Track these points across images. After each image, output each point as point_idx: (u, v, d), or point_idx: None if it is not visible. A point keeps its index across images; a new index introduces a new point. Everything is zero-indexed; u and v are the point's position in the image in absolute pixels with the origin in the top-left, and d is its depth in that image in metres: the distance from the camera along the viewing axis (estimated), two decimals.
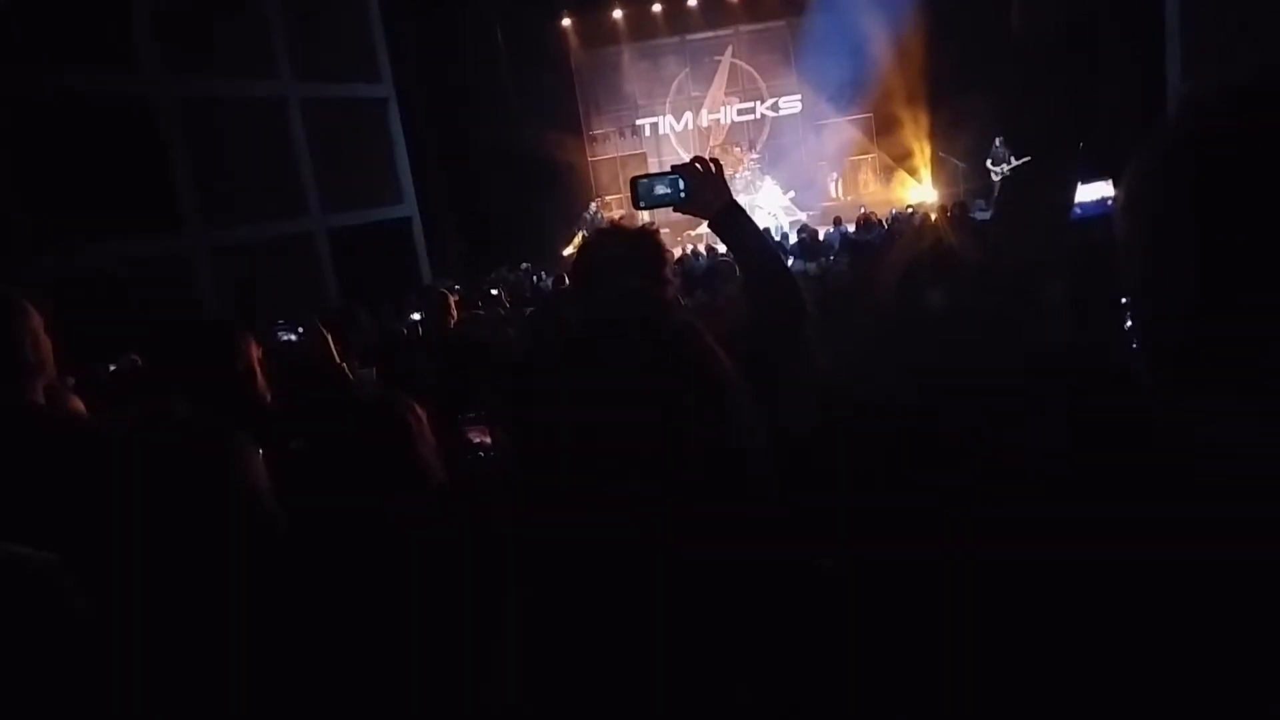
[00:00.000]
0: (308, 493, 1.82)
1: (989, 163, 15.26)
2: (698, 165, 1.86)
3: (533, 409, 1.72)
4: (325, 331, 2.62)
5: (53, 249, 8.57)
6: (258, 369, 2.12)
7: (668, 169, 1.89)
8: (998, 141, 15.10)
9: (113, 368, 4.96)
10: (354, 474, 1.85)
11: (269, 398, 2.15)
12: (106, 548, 1.37)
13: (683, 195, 1.86)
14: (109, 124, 9.31)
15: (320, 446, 2.13)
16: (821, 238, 11.55)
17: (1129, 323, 0.70)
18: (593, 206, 16.52)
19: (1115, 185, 1.78)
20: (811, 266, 7.65)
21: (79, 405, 2.19)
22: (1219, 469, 0.60)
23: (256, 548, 1.44)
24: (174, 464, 1.43)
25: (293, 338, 7.19)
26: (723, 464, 1.12)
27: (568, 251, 16.64)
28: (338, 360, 2.66)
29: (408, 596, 1.61)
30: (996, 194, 14.36)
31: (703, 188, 1.84)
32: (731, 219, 1.84)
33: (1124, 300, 0.70)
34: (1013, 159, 14.70)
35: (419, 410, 1.97)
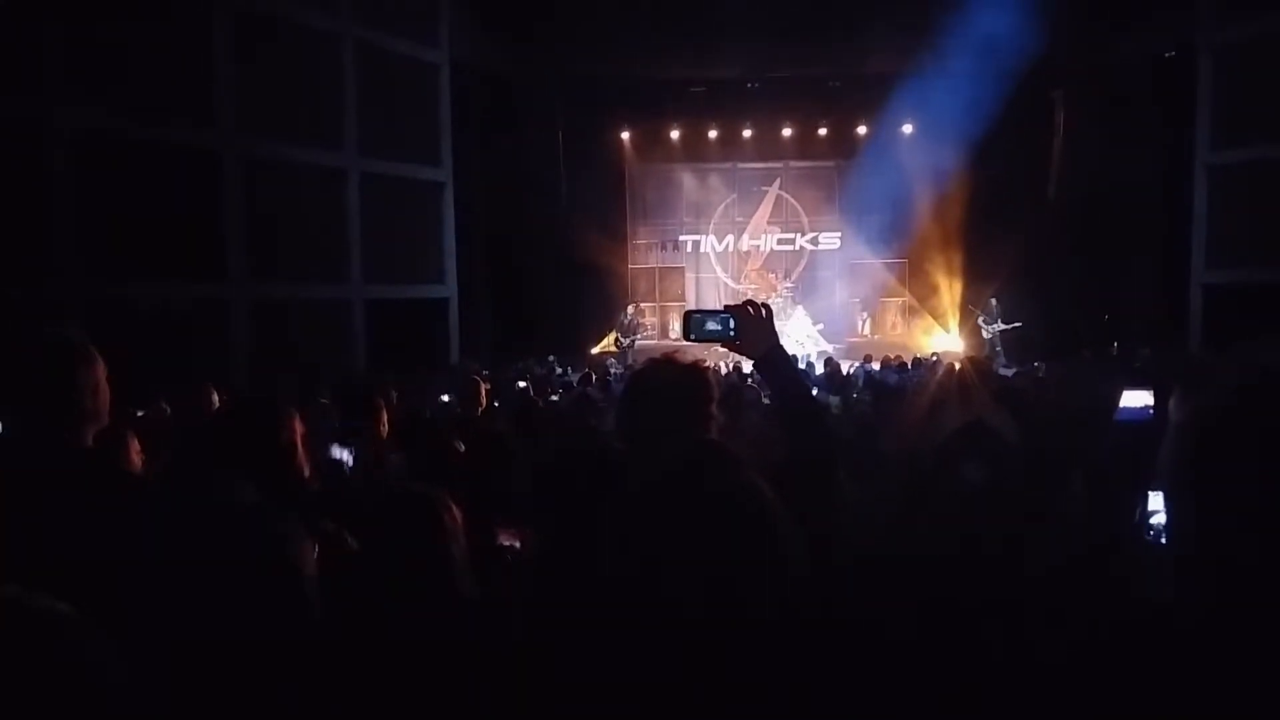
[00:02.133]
0: (335, 582, 1.82)
1: (981, 320, 15.76)
2: (749, 308, 1.96)
3: (578, 528, 1.76)
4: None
5: (102, 284, 8.83)
6: (299, 445, 2.14)
7: (721, 308, 1.99)
8: (993, 301, 15.59)
9: (140, 414, 5.00)
10: (382, 569, 1.84)
11: (306, 475, 2.18)
12: (141, 605, 1.38)
13: (732, 333, 1.96)
14: (176, 173, 9.70)
15: (354, 535, 2.14)
16: (847, 373, 11.65)
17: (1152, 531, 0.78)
18: (629, 310, 16.79)
19: (1158, 399, 1.88)
20: (835, 400, 7.71)
21: (136, 455, 2.23)
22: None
23: (295, 632, 1.45)
24: (232, 543, 1.45)
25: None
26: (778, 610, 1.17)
27: (595, 350, 16.87)
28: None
29: (419, 704, 1.59)
30: (1005, 353, 14.67)
31: (753, 329, 1.94)
32: (777, 362, 1.93)
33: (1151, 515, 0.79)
34: (1002, 322, 15.18)
35: (454, 509, 1.99)
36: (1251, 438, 0.71)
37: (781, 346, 1.96)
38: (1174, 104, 13.46)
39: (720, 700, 1.25)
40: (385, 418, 4.30)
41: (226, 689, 1.32)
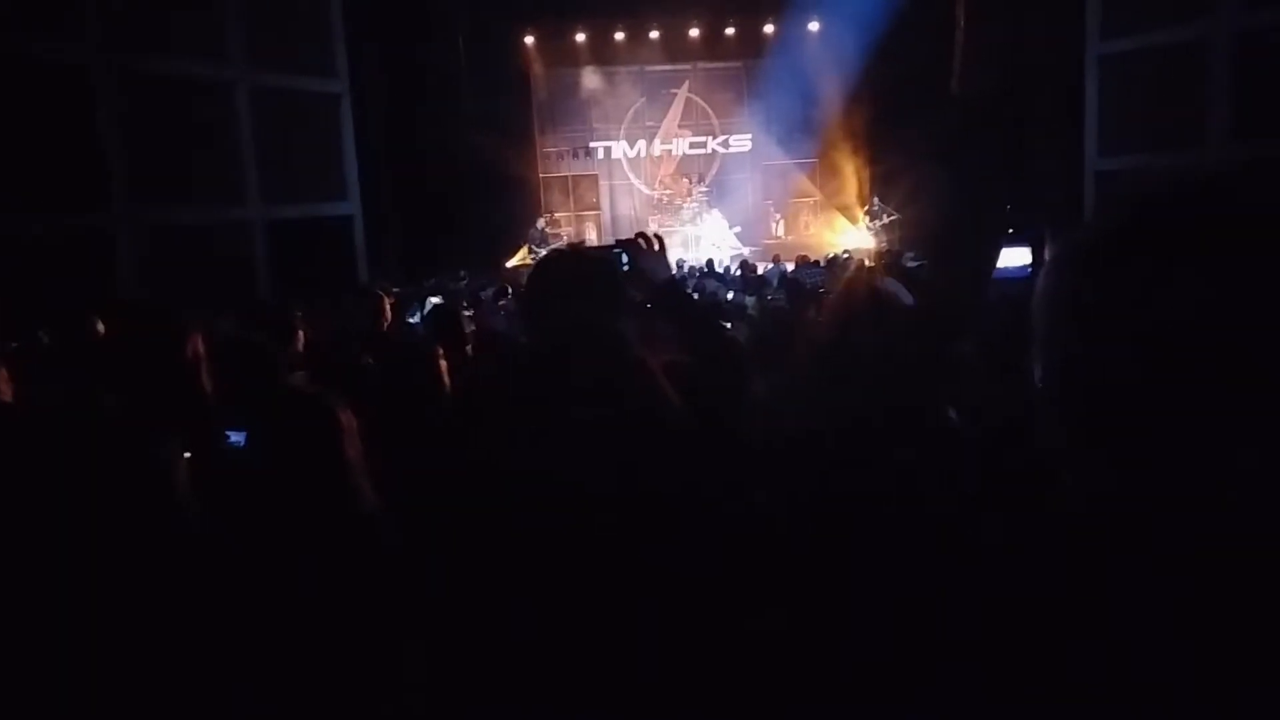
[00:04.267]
0: (235, 491, 1.77)
1: (866, 218, 16.19)
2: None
3: (478, 430, 1.73)
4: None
5: None
6: (201, 360, 2.05)
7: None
8: (875, 200, 15.98)
9: (15, 345, 4.74)
10: (278, 474, 1.81)
11: (210, 389, 2.09)
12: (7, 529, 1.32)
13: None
14: (42, 92, 9.04)
15: (251, 442, 2.08)
16: (760, 272, 11.76)
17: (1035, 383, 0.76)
18: (540, 222, 16.54)
19: (1034, 254, 1.91)
20: (751, 300, 7.79)
21: (4, 383, 2.12)
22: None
23: (167, 547, 1.40)
24: (92, 455, 1.38)
25: None
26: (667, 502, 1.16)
27: (511, 263, 16.63)
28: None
29: (310, 612, 1.57)
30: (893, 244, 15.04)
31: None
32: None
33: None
34: (886, 216, 15.59)
35: (350, 415, 1.93)
36: (1157, 242, 0.65)
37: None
38: None
39: (628, 582, 1.24)
40: (300, 339, 4.18)
41: (96, 602, 1.26)
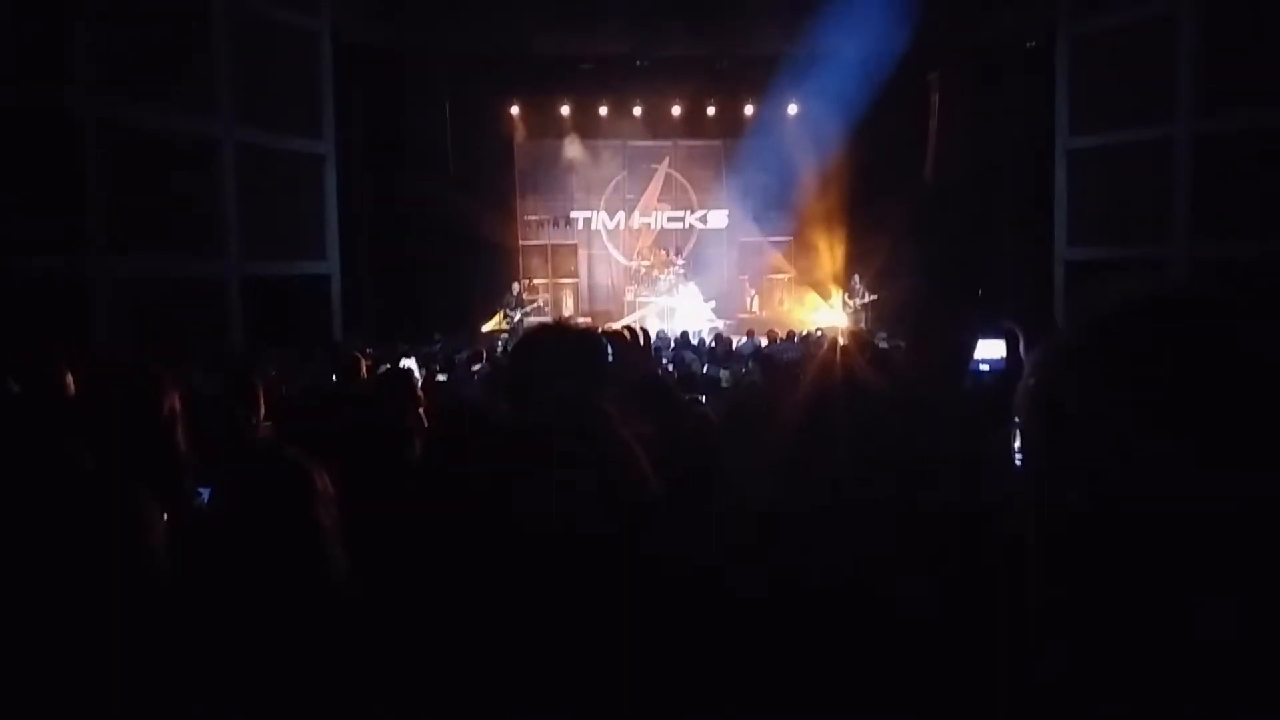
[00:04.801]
0: (205, 552, 1.73)
1: (845, 296, 16.49)
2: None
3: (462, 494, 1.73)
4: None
5: None
6: (178, 417, 2.03)
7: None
8: (855, 278, 16.30)
9: None
10: (246, 535, 1.77)
11: (185, 447, 2.07)
12: None
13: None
14: (28, 135, 9.06)
15: (219, 503, 2.05)
16: (735, 346, 11.86)
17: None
18: (516, 287, 16.63)
19: (1010, 348, 1.98)
20: (725, 374, 7.85)
21: None
22: None
23: (141, 607, 1.36)
24: (65, 511, 1.35)
25: None
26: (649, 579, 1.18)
27: (486, 328, 16.66)
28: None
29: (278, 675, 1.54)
30: (871, 325, 15.26)
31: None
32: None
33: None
34: (867, 295, 15.89)
35: (325, 477, 1.90)
36: (1112, 366, 0.73)
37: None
38: (1038, 90, 14.12)
39: (597, 650, 1.25)
40: (262, 398, 4.15)
41: (64, 663, 1.24)
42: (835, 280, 17.72)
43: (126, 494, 1.40)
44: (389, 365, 9.40)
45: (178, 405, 2.03)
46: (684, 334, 13.55)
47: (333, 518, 1.81)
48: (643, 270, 18.48)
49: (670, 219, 19.33)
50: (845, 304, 16.57)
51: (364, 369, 5.90)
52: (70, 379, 4.35)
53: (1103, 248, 12.91)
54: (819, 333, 13.81)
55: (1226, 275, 10.62)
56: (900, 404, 1.50)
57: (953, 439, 1.65)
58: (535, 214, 18.99)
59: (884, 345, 10.99)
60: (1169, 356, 0.70)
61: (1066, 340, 0.78)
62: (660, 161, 19.19)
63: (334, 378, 6.99)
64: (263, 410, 4.06)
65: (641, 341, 1.93)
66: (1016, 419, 0.82)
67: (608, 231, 19.21)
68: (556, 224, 19.05)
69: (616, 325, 16.77)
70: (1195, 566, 0.67)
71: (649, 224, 19.30)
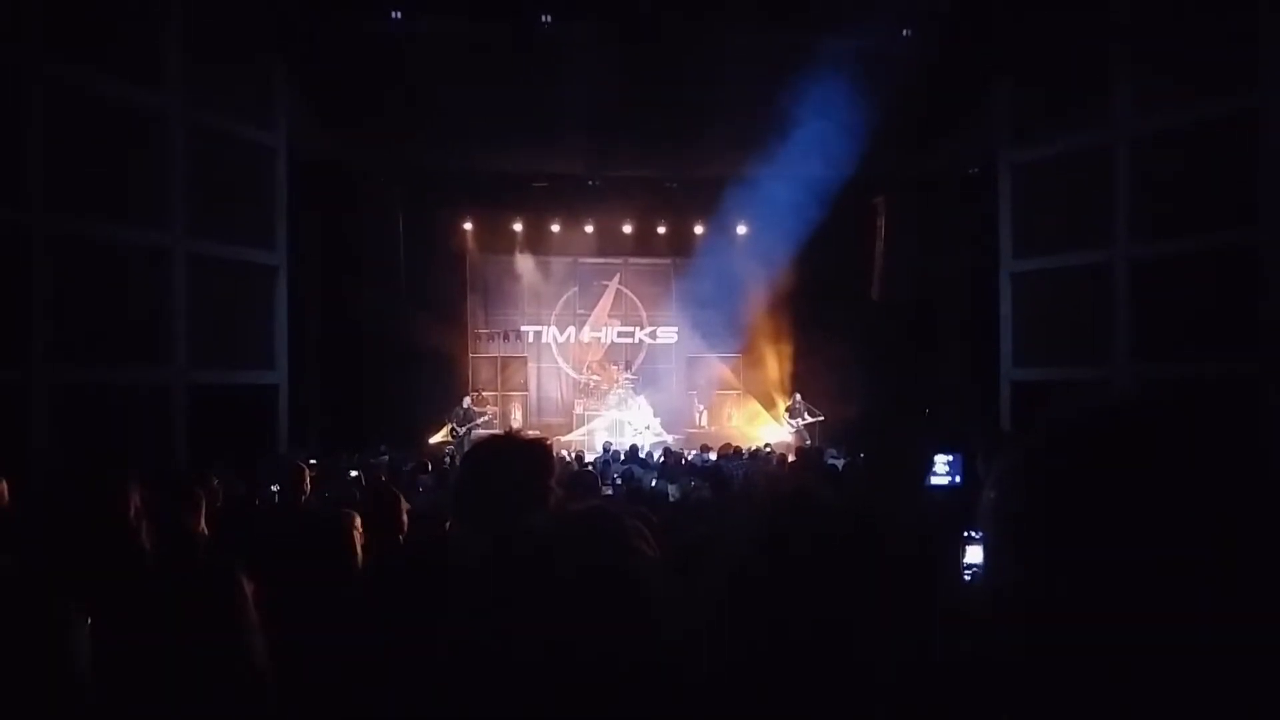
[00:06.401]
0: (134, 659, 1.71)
1: (787, 415, 16.76)
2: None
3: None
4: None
5: None
6: (143, 517, 2.01)
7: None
8: (797, 397, 16.61)
9: None
10: (167, 642, 1.76)
11: (148, 548, 2.04)
12: None
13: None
14: None
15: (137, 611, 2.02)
16: (684, 460, 11.87)
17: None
18: (466, 400, 16.57)
19: (966, 467, 2.04)
20: (673, 489, 7.84)
21: None
22: None
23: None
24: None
25: None
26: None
27: (434, 440, 16.48)
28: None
29: None
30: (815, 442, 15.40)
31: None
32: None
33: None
34: (808, 415, 16.15)
35: (248, 585, 1.90)
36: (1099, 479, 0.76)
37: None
38: (981, 214, 14.70)
39: None
40: (204, 508, 4.06)
41: None
42: (784, 397, 17.98)
43: (42, 598, 1.39)
44: (334, 477, 9.23)
45: (140, 505, 2.01)
46: (633, 447, 13.55)
47: (253, 619, 1.82)
48: (592, 384, 18.58)
49: (620, 334, 19.60)
50: (788, 423, 16.80)
51: (307, 480, 5.81)
52: (4, 487, 4.23)
53: (1047, 368, 13.27)
54: (768, 448, 13.92)
55: (1166, 393, 10.98)
56: (853, 524, 1.52)
57: (910, 551, 1.67)
58: (486, 327, 19.13)
59: (834, 463, 11.13)
60: (1131, 462, 0.74)
61: (1028, 452, 0.82)
62: (611, 278, 19.56)
63: (276, 489, 6.86)
64: (203, 518, 3.98)
65: (589, 476, 1.95)
66: (976, 532, 0.86)
67: (558, 345, 19.39)
68: (507, 337, 19.19)
69: (566, 439, 16.79)
70: (1163, 677, 0.70)
71: (599, 338, 19.54)
